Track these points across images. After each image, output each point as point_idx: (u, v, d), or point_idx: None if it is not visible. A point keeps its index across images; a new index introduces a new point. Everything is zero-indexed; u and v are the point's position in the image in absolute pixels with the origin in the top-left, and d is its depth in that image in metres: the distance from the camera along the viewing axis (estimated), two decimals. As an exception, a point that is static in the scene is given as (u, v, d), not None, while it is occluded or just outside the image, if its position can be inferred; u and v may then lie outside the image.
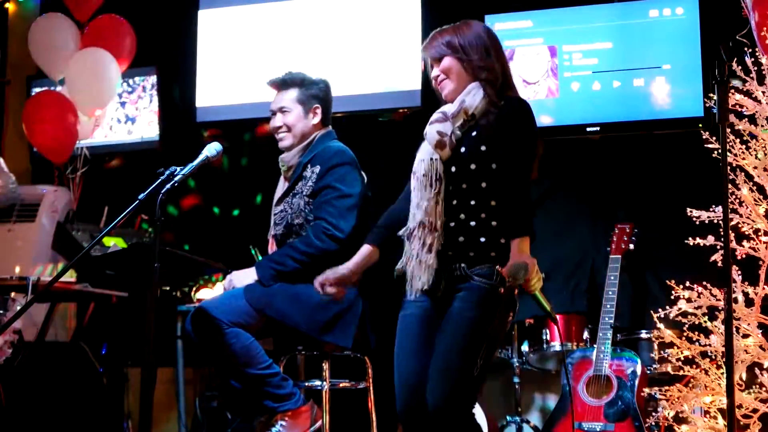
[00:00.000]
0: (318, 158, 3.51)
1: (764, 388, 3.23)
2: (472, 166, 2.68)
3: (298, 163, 3.57)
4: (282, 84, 3.63)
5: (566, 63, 4.61)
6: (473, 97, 2.74)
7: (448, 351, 2.60)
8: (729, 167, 3.14)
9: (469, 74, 2.78)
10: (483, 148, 2.68)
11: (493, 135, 2.68)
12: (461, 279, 2.67)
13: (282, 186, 3.65)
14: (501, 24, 4.68)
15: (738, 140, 3.34)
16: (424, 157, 2.75)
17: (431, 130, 2.75)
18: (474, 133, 2.71)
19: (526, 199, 2.63)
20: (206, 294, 4.38)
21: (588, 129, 4.57)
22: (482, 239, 2.66)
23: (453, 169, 2.70)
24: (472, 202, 2.67)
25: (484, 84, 2.76)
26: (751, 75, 3.34)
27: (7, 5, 5.76)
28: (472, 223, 2.66)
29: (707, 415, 3.37)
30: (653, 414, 3.65)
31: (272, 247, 3.61)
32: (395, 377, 2.75)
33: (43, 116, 4.99)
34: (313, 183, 3.47)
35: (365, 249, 2.92)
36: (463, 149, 2.70)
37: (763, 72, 3.37)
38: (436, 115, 2.79)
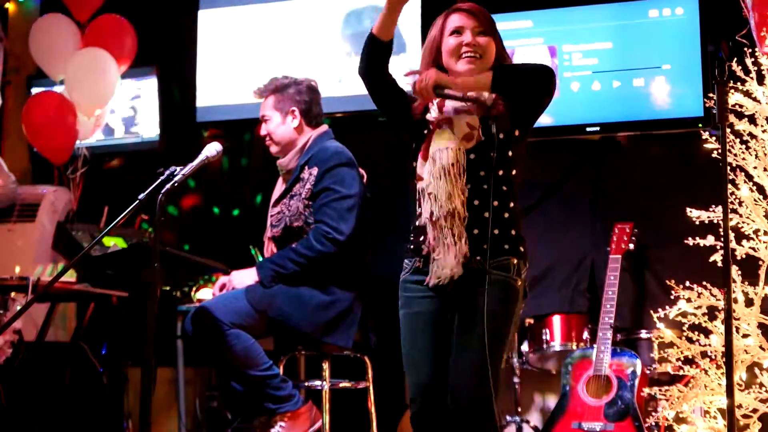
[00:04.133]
0: (315, 159, 3.51)
1: (764, 388, 3.23)
2: (492, 154, 2.64)
3: (295, 166, 3.57)
4: (261, 93, 3.66)
5: (566, 63, 4.61)
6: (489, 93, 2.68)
7: (480, 348, 2.56)
8: (729, 167, 3.14)
9: (491, 63, 2.73)
10: (501, 136, 2.65)
11: (508, 123, 2.66)
12: (478, 273, 2.61)
13: (280, 187, 3.66)
14: (501, 24, 4.57)
15: (738, 140, 3.34)
16: (448, 145, 2.65)
17: (459, 120, 2.67)
18: (490, 122, 2.66)
19: (529, 73, 2.71)
20: (206, 294, 4.38)
21: (588, 129, 4.56)
22: (496, 231, 2.63)
23: (472, 156, 2.64)
24: (485, 186, 2.64)
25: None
26: (751, 75, 3.34)
27: (7, 5, 5.76)
28: (486, 214, 2.62)
29: (707, 415, 3.37)
30: (653, 414, 3.65)
31: (268, 249, 3.60)
32: (410, 377, 2.70)
33: (42, 116, 4.99)
34: (312, 185, 3.47)
35: None
36: (483, 138, 2.66)
37: (763, 72, 3.37)
38: (458, 103, 2.69)
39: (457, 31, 2.72)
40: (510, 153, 2.67)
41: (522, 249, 2.67)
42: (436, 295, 2.66)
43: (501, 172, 2.65)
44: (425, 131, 2.74)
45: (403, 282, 2.74)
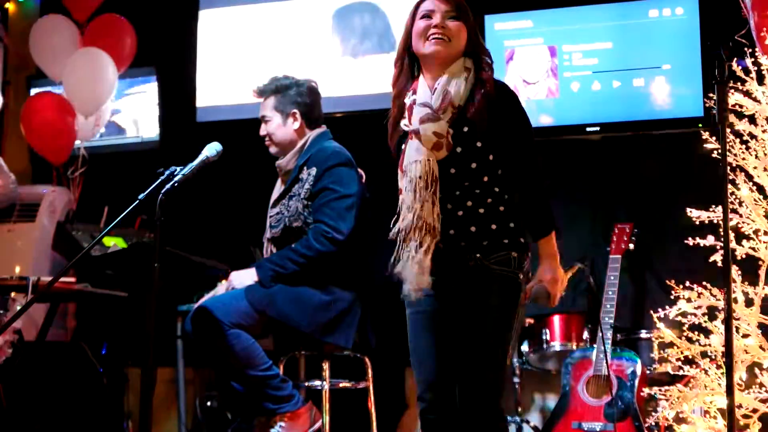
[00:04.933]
0: (314, 160, 3.51)
1: (764, 388, 3.23)
2: (473, 165, 2.62)
3: (294, 167, 3.57)
4: (261, 93, 3.66)
5: (566, 63, 4.61)
6: (457, 86, 2.64)
7: (482, 344, 2.57)
8: (729, 167, 3.14)
9: (461, 49, 2.69)
10: (479, 144, 2.62)
11: (487, 129, 2.62)
12: (478, 269, 2.59)
13: (278, 188, 3.65)
14: (501, 24, 4.68)
15: (738, 140, 3.34)
16: (418, 158, 2.62)
17: (425, 131, 2.63)
18: (466, 129, 2.62)
19: (542, 191, 2.65)
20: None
21: (588, 129, 4.57)
22: (493, 226, 2.61)
23: (453, 170, 2.62)
24: (477, 191, 2.62)
25: (484, 66, 2.69)
26: (751, 75, 3.34)
27: (7, 5, 5.76)
28: (481, 210, 2.61)
29: (707, 415, 3.37)
30: (653, 414, 3.65)
31: (267, 250, 3.60)
32: (417, 375, 2.69)
33: (41, 117, 4.99)
34: (310, 185, 3.46)
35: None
36: (459, 149, 2.62)
37: (763, 72, 3.37)
38: (422, 111, 2.64)
39: (428, 15, 2.70)
40: (491, 156, 2.64)
41: (522, 240, 2.65)
42: (438, 293, 2.66)
43: (486, 179, 2.63)
44: (402, 145, 2.72)
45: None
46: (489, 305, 2.59)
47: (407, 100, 2.72)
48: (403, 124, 2.71)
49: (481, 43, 2.75)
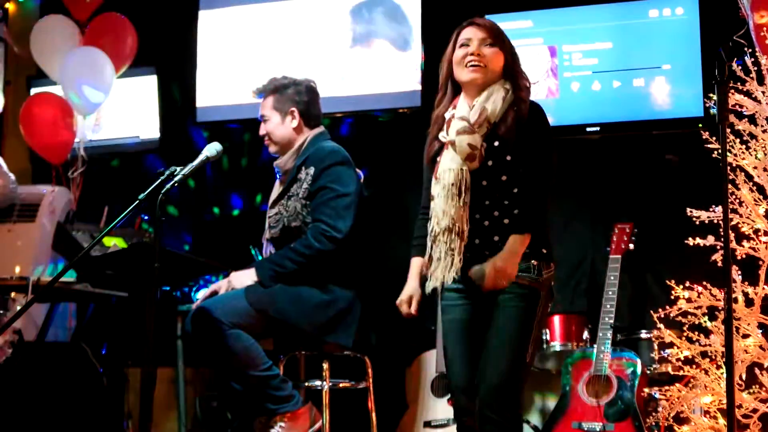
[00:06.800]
0: (311, 159, 3.51)
1: (764, 388, 3.23)
2: (503, 178, 2.75)
3: (292, 167, 3.58)
4: (260, 93, 3.67)
5: (566, 63, 4.61)
6: (494, 104, 2.78)
7: (501, 345, 2.71)
8: (729, 167, 3.14)
9: (498, 73, 2.83)
10: (509, 158, 2.75)
11: (516, 143, 2.75)
12: None
13: (277, 188, 3.66)
14: (501, 24, 4.58)
15: (738, 140, 3.34)
16: (452, 166, 2.77)
17: (461, 142, 2.76)
18: (497, 144, 2.76)
19: (542, 203, 2.76)
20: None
21: (588, 129, 4.57)
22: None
23: (484, 183, 2.75)
24: (506, 202, 2.75)
25: (522, 88, 2.82)
26: (751, 75, 3.34)
27: (7, 5, 5.76)
28: (506, 221, 2.74)
29: (707, 415, 3.37)
30: (653, 414, 3.65)
31: (266, 250, 3.61)
32: (450, 379, 2.86)
33: (40, 117, 4.99)
34: (309, 185, 3.47)
35: (417, 262, 2.94)
36: (490, 162, 2.75)
37: (763, 72, 3.37)
38: (459, 123, 2.79)
39: (466, 44, 2.84)
40: (521, 170, 2.75)
41: (544, 251, 2.78)
42: (471, 302, 2.79)
43: (516, 190, 2.75)
44: (438, 157, 2.85)
45: (442, 289, 2.85)
46: (512, 313, 2.72)
47: (447, 115, 2.86)
48: (441, 135, 2.85)
49: (518, 67, 2.88)
